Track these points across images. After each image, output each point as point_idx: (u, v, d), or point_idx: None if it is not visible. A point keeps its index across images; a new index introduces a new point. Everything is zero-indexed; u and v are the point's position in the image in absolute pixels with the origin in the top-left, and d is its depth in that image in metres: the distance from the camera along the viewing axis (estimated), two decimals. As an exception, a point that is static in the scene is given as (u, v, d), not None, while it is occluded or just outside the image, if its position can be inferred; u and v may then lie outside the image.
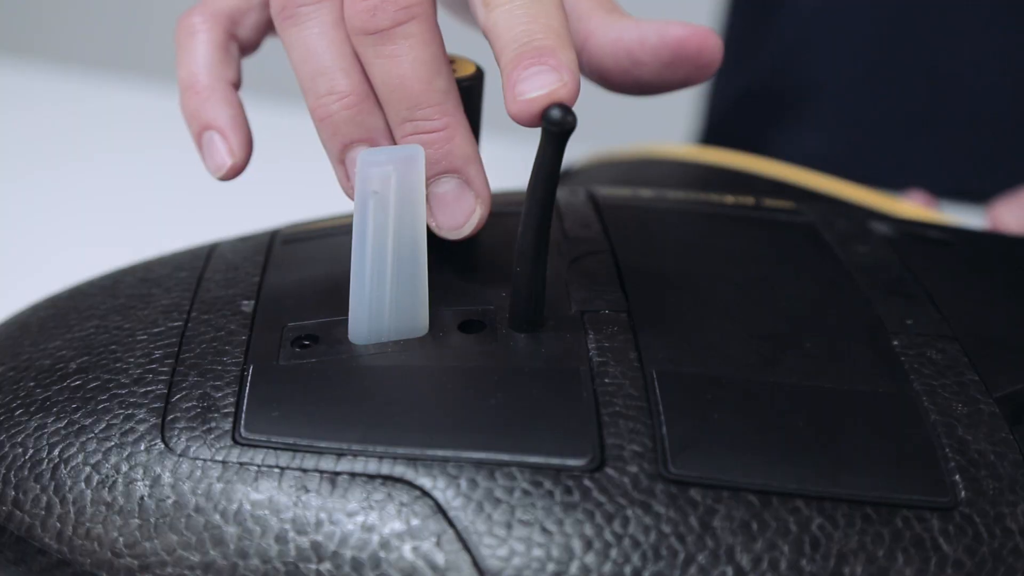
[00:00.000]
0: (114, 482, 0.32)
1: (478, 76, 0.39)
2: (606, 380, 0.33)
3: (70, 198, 0.66)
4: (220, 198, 0.58)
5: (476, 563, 0.30)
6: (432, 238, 0.36)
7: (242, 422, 0.33)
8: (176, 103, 0.41)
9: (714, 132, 0.82)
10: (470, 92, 0.39)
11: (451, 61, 0.39)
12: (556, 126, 0.32)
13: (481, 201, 0.36)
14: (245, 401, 0.33)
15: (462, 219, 0.36)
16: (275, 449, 0.32)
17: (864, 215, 0.45)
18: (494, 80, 0.41)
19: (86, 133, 0.75)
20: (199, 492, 0.32)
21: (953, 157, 0.73)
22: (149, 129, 0.73)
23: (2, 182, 0.68)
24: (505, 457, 0.31)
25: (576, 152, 0.35)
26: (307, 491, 0.31)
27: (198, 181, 0.45)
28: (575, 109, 0.33)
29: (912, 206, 0.54)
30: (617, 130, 1.00)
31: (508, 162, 0.56)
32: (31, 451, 0.33)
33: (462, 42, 0.43)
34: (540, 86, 0.33)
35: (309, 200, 0.51)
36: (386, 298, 0.34)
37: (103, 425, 0.33)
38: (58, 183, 0.68)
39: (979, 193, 0.68)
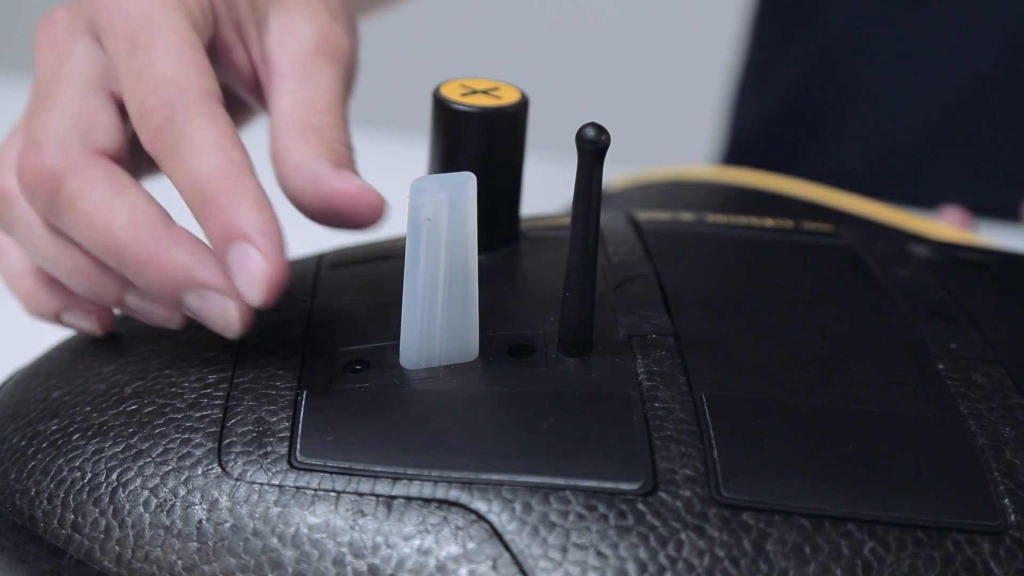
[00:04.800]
0: (172, 506, 0.33)
1: (523, 104, 0.39)
2: (656, 404, 0.34)
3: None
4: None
5: (532, 586, 0.31)
6: (480, 264, 0.36)
7: (298, 446, 0.33)
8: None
9: (739, 151, 0.82)
10: (515, 119, 0.40)
11: (495, 88, 0.40)
12: (590, 144, 0.33)
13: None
14: (300, 425, 0.34)
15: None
16: (331, 473, 0.32)
17: (902, 238, 0.45)
18: (535, 104, 0.42)
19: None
20: (256, 516, 0.32)
21: (985, 174, 0.73)
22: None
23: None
24: (559, 481, 0.32)
25: (604, 173, 0.35)
26: (363, 515, 0.32)
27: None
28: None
29: (947, 227, 0.55)
30: (641, 150, 1.00)
31: (549, 185, 0.56)
32: (89, 475, 0.34)
33: (488, 58, 0.43)
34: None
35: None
36: (437, 323, 0.35)
37: (160, 449, 0.34)
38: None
39: (1012, 210, 0.68)
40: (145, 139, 0.35)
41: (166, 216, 0.35)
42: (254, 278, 0.33)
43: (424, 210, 0.34)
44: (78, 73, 0.37)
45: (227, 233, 0.34)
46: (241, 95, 0.42)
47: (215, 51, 0.39)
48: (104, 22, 0.37)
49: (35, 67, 0.39)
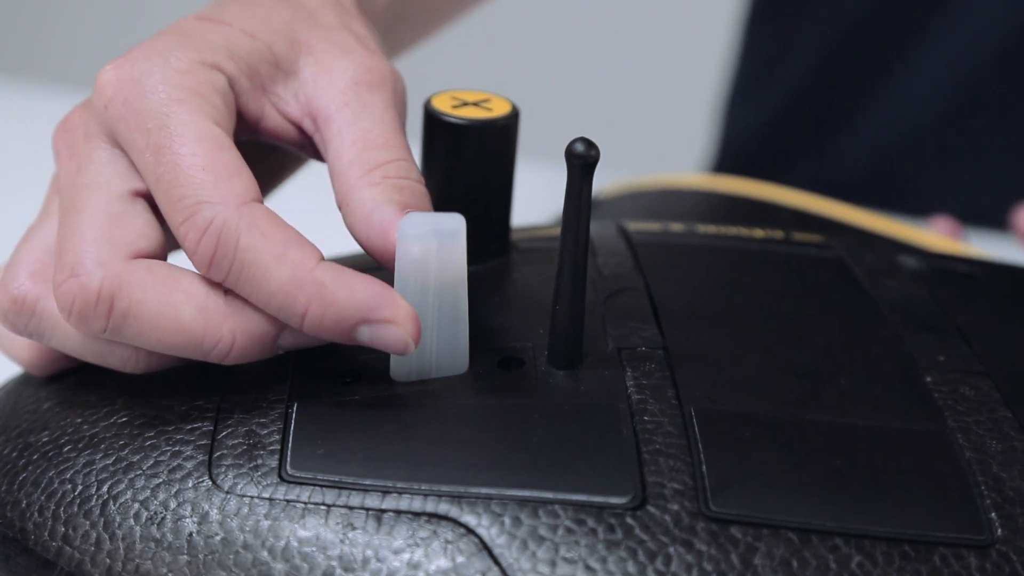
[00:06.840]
0: (163, 518, 0.33)
1: (514, 116, 0.40)
2: (645, 418, 0.34)
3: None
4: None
5: (521, 600, 0.31)
6: (471, 275, 0.36)
7: (288, 459, 0.33)
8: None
9: (731, 159, 0.82)
10: (507, 131, 0.40)
11: (486, 99, 0.40)
12: (580, 159, 0.33)
13: None
14: (290, 438, 0.34)
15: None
16: (321, 486, 0.33)
17: (892, 248, 0.45)
18: (526, 112, 0.42)
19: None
20: (247, 529, 0.32)
21: (975, 184, 0.73)
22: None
23: (9, 201, 0.68)
24: (548, 495, 0.32)
25: (595, 180, 0.35)
26: (353, 528, 0.32)
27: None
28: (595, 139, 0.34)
29: (937, 236, 0.55)
30: (632, 157, 1.01)
31: (539, 194, 0.57)
32: (80, 487, 0.34)
33: (478, 59, 0.43)
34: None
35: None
36: (428, 338, 0.35)
37: (151, 462, 0.34)
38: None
39: (1002, 220, 0.68)
40: (199, 268, 0.34)
41: (221, 288, 0.34)
42: (397, 343, 0.34)
43: (412, 252, 0.34)
44: (99, 181, 0.35)
45: (344, 327, 0.33)
46: (289, 151, 0.40)
47: (245, 122, 0.37)
48: (123, 133, 0.35)
49: (56, 173, 0.37)
